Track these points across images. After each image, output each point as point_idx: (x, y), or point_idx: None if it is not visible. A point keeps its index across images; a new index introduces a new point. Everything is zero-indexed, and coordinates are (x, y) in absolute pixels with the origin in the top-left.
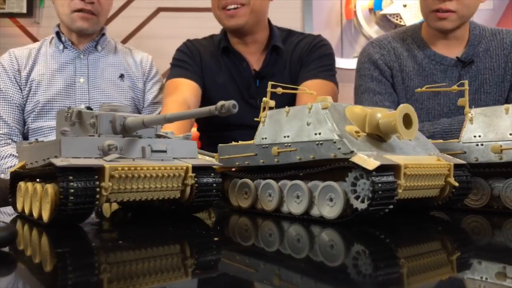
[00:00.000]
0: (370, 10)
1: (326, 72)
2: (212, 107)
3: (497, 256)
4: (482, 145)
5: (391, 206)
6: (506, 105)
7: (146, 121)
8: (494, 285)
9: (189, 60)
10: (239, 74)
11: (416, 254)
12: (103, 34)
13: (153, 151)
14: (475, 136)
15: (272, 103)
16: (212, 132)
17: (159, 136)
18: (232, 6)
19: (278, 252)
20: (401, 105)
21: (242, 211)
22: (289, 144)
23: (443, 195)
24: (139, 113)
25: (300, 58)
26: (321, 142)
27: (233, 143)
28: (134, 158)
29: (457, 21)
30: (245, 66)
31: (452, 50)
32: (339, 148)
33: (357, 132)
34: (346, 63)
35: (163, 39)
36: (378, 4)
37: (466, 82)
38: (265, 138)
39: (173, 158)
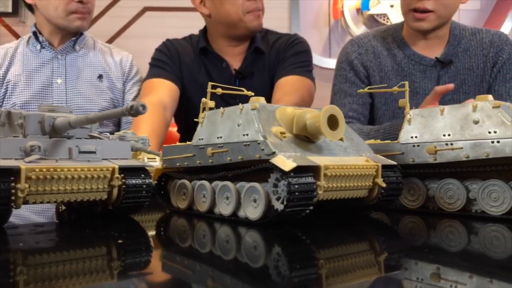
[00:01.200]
0: (358, 10)
1: (302, 68)
2: (123, 108)
3: (429, 257)
4: (418, 146)
5: (311, 207)
6: (441, 106)
7: (72, 122)
8: (429, 285)
9: (168, 60)
10: (218, 74)
11: (340, 255)
12: (81, 34)
13: (80, 152)
14: (412, 137)
15: (212, 103)
16: (192, 133)
17: (92, 137)
18: (259, 10)
19: (211, 253)
20: (326, 106)
21: (181, 212)
22: (222, 145)
23: (372, 196)
24: None
25: (277, 56)
26: (248, 143)
27: (177, 143)
28: (58, 159)
29: (435, 21)
30: (225, 66)
31: (432, 50)
32: (263, 149)
33: (282, 133)
34: (334, 63)
35: (150, 38)
36: (365, 4)
37: (407, 83)
38: (202, 139)
39: (103, 159)
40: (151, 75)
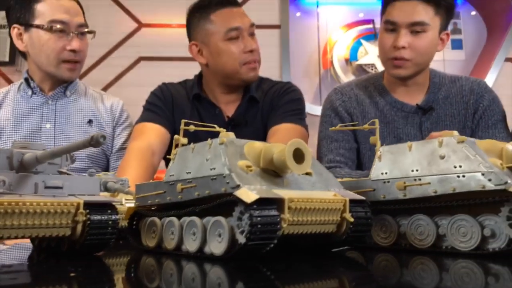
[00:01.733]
0: (346, 60)
1: (295, 116)
2: (85, 140)
3: None
4: (388, 182)
5: (275, 241)
6: (409, 143)
7: (39, 157)
8: None
9: (161, 104)
10: (211, 120)
11: None
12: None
13: (46, 187)
14: (382, 173)
15: (184, 140)
16: None
17: (61, 173)
18: (255, 61)
19: None
20: (292, 140)
21: (151, 251)
22: (190, 180)
23: (340, 232)
24: (107, 159)
25: (271, 104)
26: (215, 177)
27: (151, 181)
28: (22, 194)
29: (412, 68)
30: (218, 112)
31: (413, 97)
32: (228, 183)
33: (248, 166)
34: None
35: (144, 87)
36: (353, 55)
37: (377, 120)
38: (173, 175)
39: (69, 194)
40: (143, 118)
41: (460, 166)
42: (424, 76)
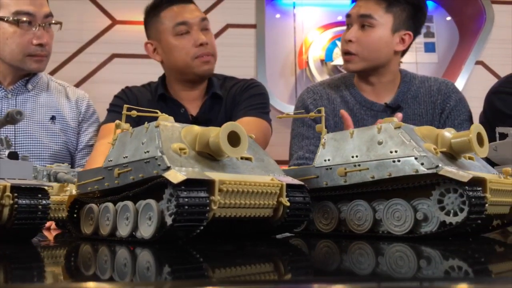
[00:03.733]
0: (322, 61)
1: (257, 110)
2: (1, 118)
3: (337, 280)
4: (330, 168)
5: (204, 223)
6: (351, 129)
7: None
8: None
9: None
10: (176, 120)
11: (237, 275)
12: (35, 73)
13: None
14: (325, 160)
15: (126, 125)
16: None
17: None
18: (208, 55)
19: (111, 279)
20: (227, 123)
21: (89, 239)
22: (126, 165)
23: (277, 216)
24: (72, 157)
25: (234, 100)
26: (148, 160)
27: (91, 168)
28: None
29: (360, 63)
30: (183, 112)
31: (382, 96)
32: (159, 165)
33: (182, 149)
34: None
35: (117, 84)
36: (329, 56)
37: (323, 109)
38: (111, 161)
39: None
40: (108, 120)
41: (396, 151)
42: (390, 75)
